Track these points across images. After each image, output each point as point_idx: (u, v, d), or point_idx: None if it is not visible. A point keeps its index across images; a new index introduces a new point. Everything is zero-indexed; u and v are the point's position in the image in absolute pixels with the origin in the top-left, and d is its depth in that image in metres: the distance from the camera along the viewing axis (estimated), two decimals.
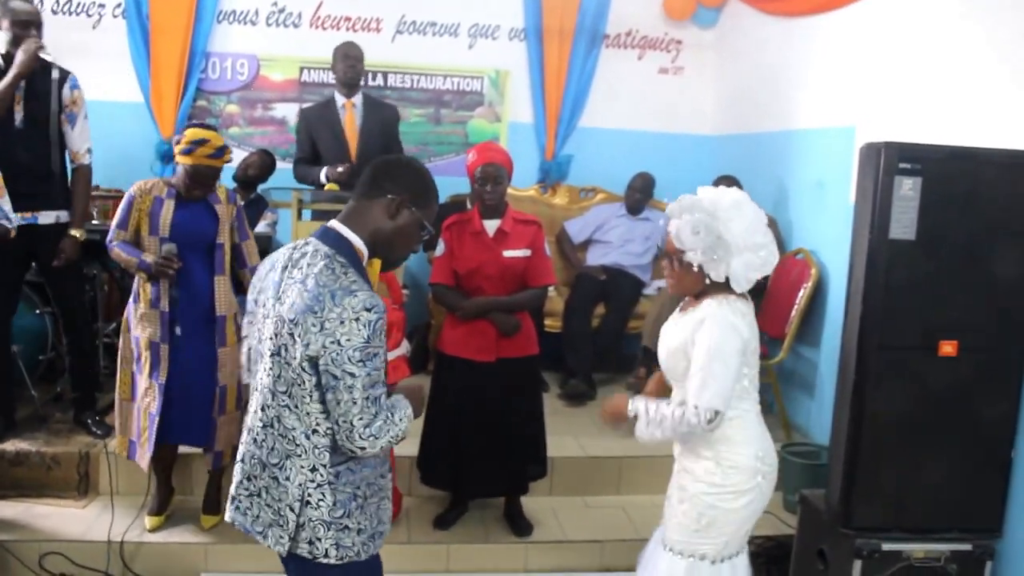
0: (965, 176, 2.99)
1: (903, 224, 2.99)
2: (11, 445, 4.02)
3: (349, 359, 1.94)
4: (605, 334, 5.36)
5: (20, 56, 3.80)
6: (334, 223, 2.15)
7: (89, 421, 4.19)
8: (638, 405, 2.53)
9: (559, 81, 6.19)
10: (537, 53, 6.18)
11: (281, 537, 2.12)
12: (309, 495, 2.08)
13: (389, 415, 2.04)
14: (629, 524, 4.05)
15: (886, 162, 2.97)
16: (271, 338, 2.08)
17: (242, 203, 3.66)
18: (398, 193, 2.12)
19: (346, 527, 2.10)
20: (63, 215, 4.09)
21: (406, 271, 5.77)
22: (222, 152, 3.49)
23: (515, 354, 3.68)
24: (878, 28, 4.16)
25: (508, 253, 3.61)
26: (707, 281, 2.51)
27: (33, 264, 4.16)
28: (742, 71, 5.94)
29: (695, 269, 2.50)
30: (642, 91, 6.37)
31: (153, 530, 3.74)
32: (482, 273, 3.61)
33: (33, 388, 4.38)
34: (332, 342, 1.94)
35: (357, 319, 1.94)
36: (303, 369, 2.00)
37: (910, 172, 2.97)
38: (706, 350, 2.43)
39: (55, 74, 3.98)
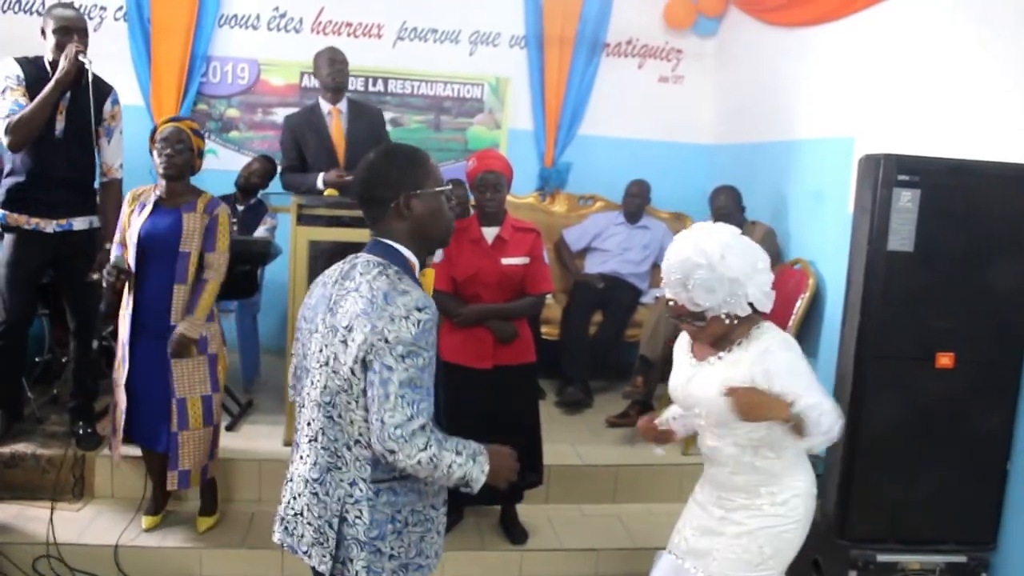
0: (963, 189, 3.01)
1: (901, 236, 3.00)
2: (6, 447, 4.01)
3: (391, 352, 1.90)
4: (602, 342, 5.36)
5: (62, 63, 3.73)
6: (375, 239, 2.12)
7: (80, 432, 4.16)
8: (798, 406, 2.32)
9: (559, 89, 6.20)
10: (537, 61, 6.19)
11: (324, 556, 2.06)
12: (347, 511, 2.03)
13: (443, 440, 1.96)
14: (624, 533, 4.04)
15: (885, 174, 2.99)
16: (320, 350, 2.04)
17: (223, 213, 3.63)
18: (396, 193, 2.06)
19: (379, 550, 2.03)
20: (95, 220, 4.09)
21: None
22: (183, 118, 3.68)
23: (512, 361, 3.68)
24: (878, 39, 4.17)
25: (506, 261, 3.62)
26: (734, 322, 2.45)
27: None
28: (742, 81, 5.95)
29: (722, 318, 2.44)
30: (642, 100, 6.37)
31: (149, 529, 3.74)
32: (480, 280, 3.61)
33: (30, 390, 4.37)
34: (380, 339, 1.91)
35: (407, 317, 1.92)
36: (352, 373, 1.96)
37: (909, 184, 2.99)
38: (794, 372, 2.36)
39: (98, 87, 3.92)
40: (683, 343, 2.68)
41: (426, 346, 1.94)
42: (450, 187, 2.14)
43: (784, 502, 2.46)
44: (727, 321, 2.43)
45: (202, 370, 3.59)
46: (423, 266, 2.18)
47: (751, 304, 2.42)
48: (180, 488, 3.66)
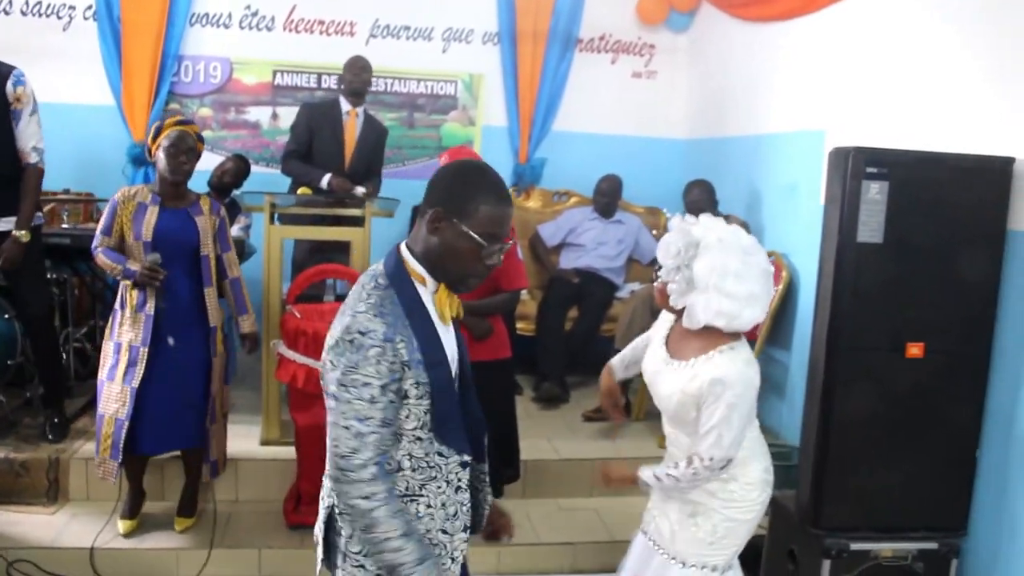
0: (931, 180, 3.04)
1: (871, 228, 3.03)
2: None
3: (332, 381, 1.80)
4: (578, 337, 5.38)
5: None
6: (403, 242, 1.98)
7: (47, 426, 4.15)
8: (646, 476, 2.55)
9: (533, 85, 6.21)
10: (511, 57, 6.20)
11: (320, 555, 2.04)
12: (335, 518, 1.95)
13: (396, 512, 1.81)
14: (602, 526, 4.07)
15: (854, 167, 3.01)
16: None
17: (225, 214, 3.66)
18: (434, 205, 1.87)
19: (362, 566, 1.92)
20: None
21: None
22: (188, 122, 3.66)
23: (487, 357, 3.66)
24: (848, 34, 4.20)
25: None
26: (675, 307, 2.50)
27: None
28: (714, 75, 5.98)
29: (666, 289, 2.51)
30: (615, 95, 6.40)
31: (126, 534, 3.72)
32: None
33: (1, 393, 4.33)
34: (329, 361, 1.82)
35: (351, 341, 1.78)
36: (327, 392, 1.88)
37: (877, 176, 3.01)
38: (726, 407, 2.38)
39: None
40: (662, 327, 2.70)
41: (371, 375, 1.78)
42: (485, 245, 1.87)
43: (740, 488, 2.53)
44: (671, 296, 2.48)
45: (223, 365, 3.72)
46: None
47: (684, 308, 2.46)
48: (211, 478, 3.78)
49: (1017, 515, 3.06)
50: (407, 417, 1.87)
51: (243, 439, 4.28)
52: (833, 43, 4.35)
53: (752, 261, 2.45)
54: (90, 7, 5.73)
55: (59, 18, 5.72)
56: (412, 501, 1.93)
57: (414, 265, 1.92)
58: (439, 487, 1.95)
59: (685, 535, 2.58)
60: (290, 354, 3.69)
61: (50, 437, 4.12)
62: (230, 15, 5.94)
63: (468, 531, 2.05)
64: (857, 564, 3.14)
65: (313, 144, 4.94)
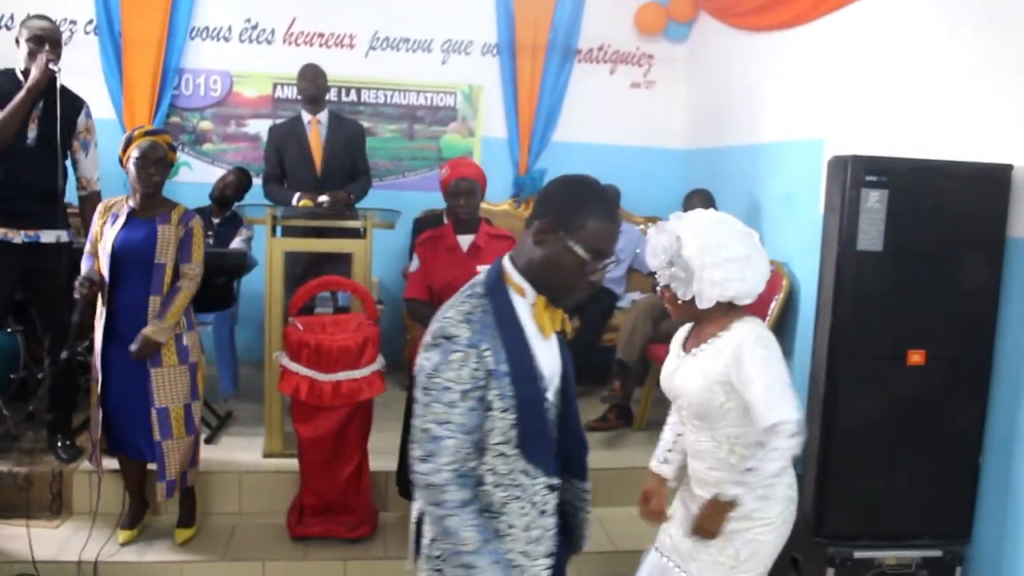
0: (930, 188, 3.06)
1: (871, 236, 3.05)
2: None
3: (419, 384, 1.81)
4: (580, 347, 5.36)
5: (33, 71, 3.77)
6: (508, 254, 1.99)
7: (59, 444, 4.13)
8: (730, 492, 2.38)
9: (532, 96, 6.22)
10: (510, 68, 6.21)
11: (411, 548, 2.03)
12: (424, 518, 1.93)
13: (475, 515, 1.79)
14: (605, 536, 4.05)
15: (853, 175, 3.03)
16: None
17: (195, 224, 3.62)
18: (542, 217, 1.89)
19: (440, 570, 1.89)
20: (63, 235, 4.06)
21: (381, 286, 5.77)
22: (159, 131, 3.64)
23: None
24: (847, 42, 4.22)
25: (482, 268, 3.60)
26: (684, 300, 2.47)
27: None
28: (713, 85, 6.00)
29: (674, 291, 2.49)
30: (614, 105, 6.42)
31: (125, 544, 3.72)
32: (456, 288, 3.55)
33: (4, 408, 4.33)
34: (419, 364, 1.84)
35: (436, 344, 1.80)
36: None
37: (877, 184, 3.03)
38: (760, 367, 2.35)
39: (70, 99, 3.94)
40: (679, 336, 2.68)
41: (452, 380, 1.77)
42: (590, 260, 1.88)
43: (760, 504, 2.42)
44: (680, 298, 2.47)
45: (184, 379, 3.60)
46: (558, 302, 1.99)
47: (696, 295, 2.45)
48: (167, 498, 3.66)
49: (1021, 521, 3.06)
50: (491, 431, 1.85)
51: (246, 451, 4.28)
52: (831, 52, 4.36)
53: (726, 227, 2.50)
54: (91, 21, 5.76)
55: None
56: (493, 518, 1.88)
57: (514, 276, 1.93)
58: (522, 507, 1.90)
59: (706, 559, 2.48)
60: (292, 366, 3.70)
61: (64, 457, 4.09)
62: (230, 28, 5.96)
63: (552, 557, 1.98)
64: (861, 572, 3.14)
65: (284, 163, 4.99)
